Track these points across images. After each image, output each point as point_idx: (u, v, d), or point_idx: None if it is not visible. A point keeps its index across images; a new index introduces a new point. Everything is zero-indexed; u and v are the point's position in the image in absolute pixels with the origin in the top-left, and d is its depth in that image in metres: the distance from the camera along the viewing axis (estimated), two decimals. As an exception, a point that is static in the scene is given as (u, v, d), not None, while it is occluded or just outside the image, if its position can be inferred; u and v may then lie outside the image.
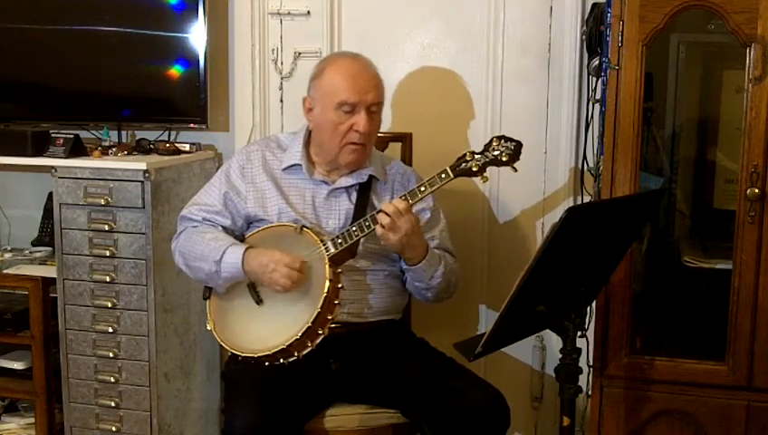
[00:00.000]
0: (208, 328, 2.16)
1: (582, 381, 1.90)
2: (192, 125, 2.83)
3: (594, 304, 2.15)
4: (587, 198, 2.64)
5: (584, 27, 2.55)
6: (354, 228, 2.08)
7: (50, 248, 2.85)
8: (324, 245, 2.08)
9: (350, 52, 2.32)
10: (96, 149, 2.68)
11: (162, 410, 2.62)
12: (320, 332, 2.01)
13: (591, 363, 2.21)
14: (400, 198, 2.07)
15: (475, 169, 2.07)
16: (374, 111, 2.17)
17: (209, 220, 2.24)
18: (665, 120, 2.44)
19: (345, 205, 2.24)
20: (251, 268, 2.09)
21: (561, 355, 1.84)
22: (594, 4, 2.50)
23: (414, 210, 2.22)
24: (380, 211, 2.06)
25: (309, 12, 2.82)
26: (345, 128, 2.16)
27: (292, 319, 2.03)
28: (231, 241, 2.16)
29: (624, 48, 2.03)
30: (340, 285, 2.05)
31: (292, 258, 2.05)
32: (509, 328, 1.84)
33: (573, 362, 1.82)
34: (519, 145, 2.07)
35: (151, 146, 2.75)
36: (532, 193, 2.74)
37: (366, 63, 2.21)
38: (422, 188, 2.07)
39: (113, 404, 2.63)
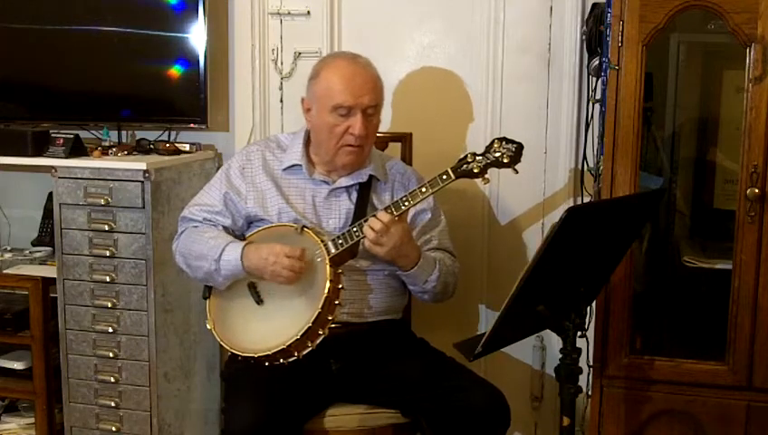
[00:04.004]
0: (208, 328, 2.16)
1: (582, 381, 1.91)
2: (192, 125, 2.83)
3: (594, 304, 2.16)
4: (587, 199, 2.64)
5: (584, 27, 2.55)
6: (355, 229, 2.08)
7: (50, 248, 2.85)
8: (325, 245, 2.08)
9: (348, 52, 2.32)
10: (96, 149, 2.69)
11: (162, 410, 2.62)
12: (320, 332, 2.01)
13: (591, 363, 2.21)
14: (385, 210, 2.07)
15: (476, 170, 2.07)
16: (371, 113, 2.16)
17: (210, 220, 2.25)
18: (665, 120, 2.44)
19: (345, 205, 2.24)
20: (251, 263, 2.09)
21: (561, 355, 1.84)
22: (594, 4, 2.50)
23: (414, 211, 2.22)
24: (368, 226, 2.05)
25: (309, 12, 2.82)
26: (341, 130, 2.15)
27: (292, 319, 2.03)
28: (230, 239, 2.16)
29: (624, 48, 2.03)
30: (340, 286, 2.05)
31: (292, 248, 2.05)
32: (509, 328, 1.84)
33: (573, 362, 1.82)
34: (520, 147, 2.06)
35: (151, 146, 2.75)
36: (533, 193, 2.74)
37: (363, 65, 2.19)
38: (423, 190, 2.06)
39: (113, 404, 2.63)
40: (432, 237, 2.28)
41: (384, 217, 2.04)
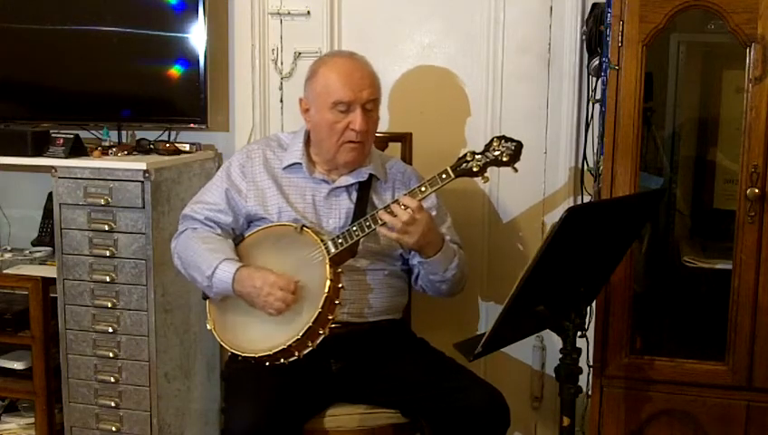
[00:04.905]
0: (208, 328, 2.16)
1: (582, 381, 1.90)
2: (192, 125, 2.83)
3: (594, 304, 2.15)
4: (587, 198, 2.64)
5: (584, 27, 2.55)
6: (354, 228, 2.08)
7: (50, 248, 2.85)
8: (324, 244, 2.08)
9: (344, 51, 2.33)
10: (96, 149, 2.69)
11: (162, 410, 2.62)
12: (320, 332, 2.01)
13: (591, 363, 2.21)
14: (409, 195, 2.05)
15: (475, 169, 2.06)
16: (370, 108, 2.17)
17: (211, 219, 2.24)
18: (665, 120, 2.44)
19: (345, 204, 2.24)
20: (243, 289, 2.07)
21: (561, 355, 1.84)
22: (594, 4, 2.50)
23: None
24: (390, 213, 2.03)
25: (309, 12, 2.82)
26: (342, 127, 2.15)
27: (292, 319, 2.03)
28: (225, 255, 2.13)
29: (624, 48, 2.03)
30: (340, 285, 2.05)
31: (287, 281, 2.04)
32: (509, 328, 1.84)
33: (573, 362, 1.82)
34: (519, 145, 2.06)
35: (151, 146, 2.75)
36: (533, 193, 2.74)
37: (360, 61, 2.20)
38: (423, 189, 2.06)
39: (113, 404, 2.63)
40: (442, 233, 2.27)
41: (411, 202, 2.02)
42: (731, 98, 2.28)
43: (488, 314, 2.82)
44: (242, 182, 2.25)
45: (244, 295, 2.08)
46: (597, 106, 2.50)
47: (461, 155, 2.08)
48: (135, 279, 2.56)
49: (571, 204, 2.69)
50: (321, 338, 2.02)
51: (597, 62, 2.38)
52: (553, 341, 2.71)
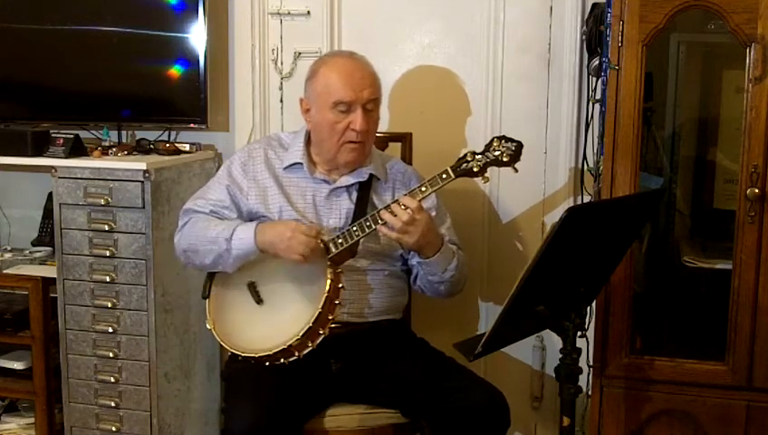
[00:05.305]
0: (208, 328, 2.16)
1: (582, 381, 1.91)
2: (192, 125, 2.83)
3: (594, 304, 2.16)
4: (587, 198, 2.64)
5: (584, 27, 2.55)
6: (354, 228, 2.08)
7: (50, 248, 2.85)
8: (324, 245, 2.08)
9: (344, 50, 2.33)
10: (96, 149, 2.69)
11: (162, 410, 2.62)
12: (320, 332, 2.01)
13: (591, 363, 2.21)
14: (409, 196, 2.05)
15: (476, 169, 2.07)
16: (370, 108, 2.17)
17: (217, 213, 2.24)
18: (665, 120, 2.44)
19: (346, 204, 2.24)
20: (265, 238, 2.09)
21: (561, 355, 1.84)
22: (594, 4, 2.50)
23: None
24: (390, 213, 2.04)
25: (309, 12, 2.82)
26: (342, 127, 2.15)
27: (292, 319, 2.03)
28: (240, 223, 2.17)
29: (624, 48, 2.03)
30: (340, 285, 2.05)
31: (309, 226, 2.07)
32: (509, 328, 1.84)
33: (573, 362, 1.82)
34: (520, 145, 2.06)
35: (151, 146, 2.75)
36: (533, 193, 2.74)
37: (361, 61, 2.20)
38: (423, 189, 2.06)
39: (113, 404, 2.63)
40: (442, 234, 2.28)
41: (411, 202, 2.03)
42: (731, 98, 2.28)
43: (488, 314, 2.82)
44: (243, 180, 2.25)
45: (267, 245, 2.09)
46: (597, 106, 2.50)
47: (461, 155, 2.08)
48: (135, 279, 2.56)
49: (571, 204, 2.69)
50: (321, 338, 2.02)
51: (597, 62, 2.38)
52: (553, 341, 2.71)
